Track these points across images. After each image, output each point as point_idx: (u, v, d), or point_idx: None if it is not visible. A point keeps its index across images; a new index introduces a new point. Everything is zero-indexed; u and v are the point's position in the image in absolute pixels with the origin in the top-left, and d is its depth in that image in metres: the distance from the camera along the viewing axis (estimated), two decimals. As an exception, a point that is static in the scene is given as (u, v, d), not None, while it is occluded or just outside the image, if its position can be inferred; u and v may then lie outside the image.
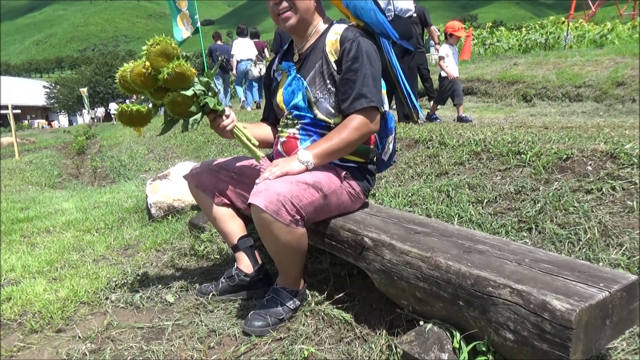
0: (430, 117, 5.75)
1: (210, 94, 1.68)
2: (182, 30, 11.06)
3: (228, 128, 1.73)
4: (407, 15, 4.78)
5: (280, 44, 8.63)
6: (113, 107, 40.89)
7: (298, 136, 1.72)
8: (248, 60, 9.47)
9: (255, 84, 10.03)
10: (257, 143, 1.79)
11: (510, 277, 1.12)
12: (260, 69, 9.49)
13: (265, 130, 1.95)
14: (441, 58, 5.84)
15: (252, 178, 1.72)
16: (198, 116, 1.68)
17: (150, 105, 1.71)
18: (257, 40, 10.13)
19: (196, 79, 1.66)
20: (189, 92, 1.62)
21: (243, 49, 9.51)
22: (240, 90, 10.19)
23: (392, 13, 4.66)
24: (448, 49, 5.87)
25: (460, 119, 5.60)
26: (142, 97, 1.79)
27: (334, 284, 1.86)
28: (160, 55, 1.56)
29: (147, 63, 1.57)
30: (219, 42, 11.26)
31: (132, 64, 1.62)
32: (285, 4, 1.66)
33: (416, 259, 1.34)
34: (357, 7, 1.72)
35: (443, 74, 5.81)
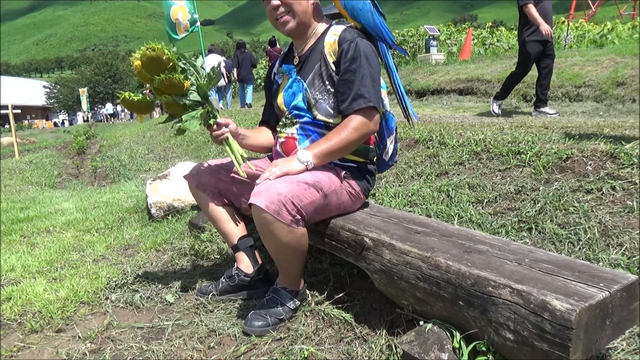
0: None
1: (205, 106, 1.70)
2: (176, 25, 11.11)
3: (220, 138, 1.76)
4: None
5: (238, 63, 10.93)
6: (109, 107, 40.98)
7: (296, 136, 1.73)
8: None
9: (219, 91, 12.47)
10: (241, 161, 1.76)
11: (510, 277, 1.12)
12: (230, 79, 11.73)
13: (266, 136, 1.96)
14: None
15: (252, 178, 1.72)
16: (195, 121, 1.69)
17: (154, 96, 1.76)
18: (276, 47, 12.46)
19: (193, 89, 1.68)
20: (181, 102, 1.66)
21: (212, 62, 11.77)
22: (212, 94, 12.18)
23: None
24: None
25: None
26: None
27: (334, 284, 1.86)
28: (151, 63, 1.57)
29: (137, 63, 1.59)
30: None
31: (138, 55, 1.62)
32: (282, 8, 1.66)
33: (416, 259, 1.34)
34: (355, 8, 1.71)
35: None
